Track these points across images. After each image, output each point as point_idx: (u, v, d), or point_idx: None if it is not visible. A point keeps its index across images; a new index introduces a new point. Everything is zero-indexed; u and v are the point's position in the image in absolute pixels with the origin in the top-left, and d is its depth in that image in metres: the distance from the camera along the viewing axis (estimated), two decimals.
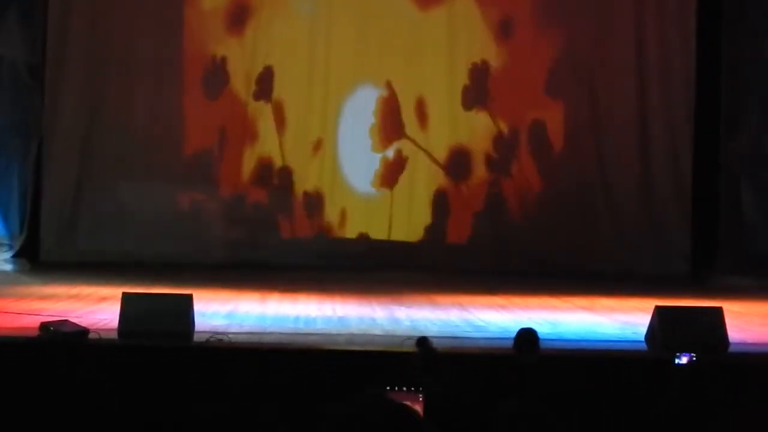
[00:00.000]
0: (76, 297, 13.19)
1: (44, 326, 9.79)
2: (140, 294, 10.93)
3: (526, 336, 8.10)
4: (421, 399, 5.89)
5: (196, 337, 10.08)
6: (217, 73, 17.59)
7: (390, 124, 17.73)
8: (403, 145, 17.74)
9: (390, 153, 17.71)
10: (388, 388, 6.03)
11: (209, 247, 17.30)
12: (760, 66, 16.99)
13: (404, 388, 5.97)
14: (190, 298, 10.41)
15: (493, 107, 17.79)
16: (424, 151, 17.70)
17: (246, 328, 11.11)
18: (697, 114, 17.53)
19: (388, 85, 17.70)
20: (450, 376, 7.41)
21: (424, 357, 7.25)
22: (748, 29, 17.05)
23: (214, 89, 17.60)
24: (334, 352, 10.05)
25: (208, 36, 17.62)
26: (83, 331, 9.81)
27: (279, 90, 17.64)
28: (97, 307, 12.18)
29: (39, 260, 16.79)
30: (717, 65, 17.23)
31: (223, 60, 17.57)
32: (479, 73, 17.78)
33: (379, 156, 17.69)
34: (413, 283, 15.02)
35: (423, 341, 7.50)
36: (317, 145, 17.65)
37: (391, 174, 17.68)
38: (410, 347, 7.63)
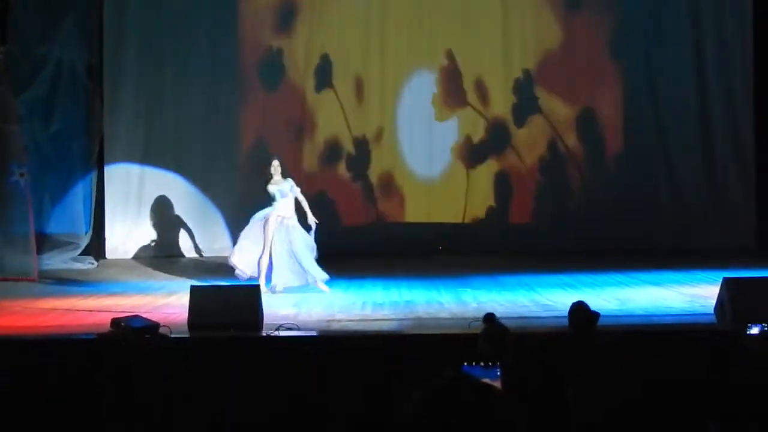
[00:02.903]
0: (144, 292, 13.32)
1: (116, 322, 9.89)
2: (208, 287, 11.04)
3: (580, 312, 8.00)
4: (499, 375, 5.87)
5: (266, 327, 10.14)
6: (274, 65, 17.66)
7: (452, 94, 17.72)
8: (464, 122, 17.70)
9: (451, 136, 17.69)
10: (465, 364, 6.02)
11: None
12: None
13: (481, 364, 5.96)
14: (257, 288, 10.49)
15: (552, 86, 17.73)
16: (483, 141, 17.69)
17: (314, 316, 11.17)
18: (757, 86, 17.35)
19: (448, 59, 17.66)
20: (523, 352, 7.38)
21: (492, 332, 7.22)
22: None
23: (272, 81, 17.67)
24: (403, 337, 10.08)
25: (263, 29, 17.69)
26: (154, 326, 9.90)
27: (337, 78, 17.69)
28: (165, 302, 12.31)
29: (105, 257, 16.97)
30: None
31: (280, 51, 17.63)
32: (537, 53, 17.73)
33: (440, 137, 17.68)
34: (478, 265, 15.01)
35: (490, 317, 7.46)
36: (378, 132, 17.70)
37: (454, 158, 17.68)
38: (478, 328, 7.61)
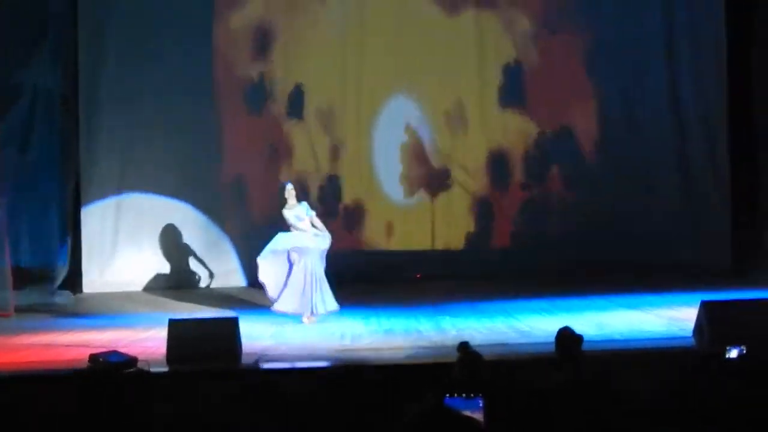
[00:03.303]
0: (122, 326, 13.24)
1: (94, 357, 9.86)
2: (186, 319, 11.00)
3: (567, 337, 8.02)
4: (480, 406, 5.87)
5: (244, 359, 10.11)
6: (250, 92, 17.66)
7: (421, 142, 17.78)
8: (438, 158, 17.77)
9: (425, 166, 17.72)
10: (447, 395, 6.02)
11: (250, 266, 17.37)
12: None
13: (463, 395, 5.95)
14: (235, 320, 10.46)
15: (527, 110, 17.80)
16: (459, 165, 17.73)
17: (293, 348, 11.15)
18: (731, 106, 17.43)
19: (418, 102, 17.74)
20: (501, 380, 7.39)
21: (467, 360, 7.23)
22: None
23: (249, 108, 17.67)
24: (382, 367, 10.06)
25: (239, 56, 17.67)
26: (132, 360, 9.86)
27: (313, 104, 17.70)
28: (143, 335, 12.24)
29: (83, 291, 16.87)
30: (749, 45, 17.12)
31: (256, 79, 17.63)
32: (512, 75, 17.79)
33: (413, 169, 17.72)
34: (456, 291, 15.00)
35: (464, 345, 7.49)
36: (354, 158, 17.69)
37: (428, 184, 17.70)
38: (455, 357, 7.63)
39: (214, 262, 17.32)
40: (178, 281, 17.19)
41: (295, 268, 13.13)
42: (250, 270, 16.32)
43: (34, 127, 16.71)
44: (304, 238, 13.22)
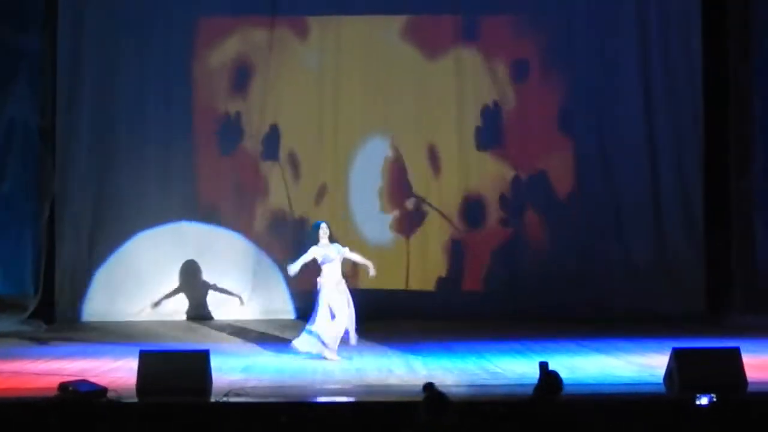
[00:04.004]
0: (93, 356, 13.20)
1: (63, 386, 9.82)
2: (157, 352, 10.96)
3: (550, 380, 8.06)
4: None
5: (215, 393, 10.08)
6: (227, 129, 17.68)
7: (397, 184, 17.81)
8: (417, 189, 17.81)
9: (400, 208, 17.75)
10: None
11: (226, 302, 17.36)
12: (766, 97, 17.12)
13: None
14: (207, 354, 10.43)
15: (503, 153, 17.84)
16: (434, 208, 17.76)
17: (264, 382, 11.12)
18: (707, 152, 17.55)
19: (395, 144, 17.80)
20: (472, 421, 7.40)
21: (432, 401, 7.25)
22: (754, 66, 17.14)
23: (225, 145, 17.69)
24: (353, 404, 10.05)
25: (217, 92, 17.71)
26: (102, 390, 9.82)
27: (288, 145, 17.72)
28: (114, 366, 12.20)
29: (55, 320, 16.79)
30: (725, 103, 17.27)
31: (233, 116, 17.66)
32: (490, 118, 17.85)
33: (389, 210, 17.75)
34: (429, 332, 14.99)
35: (429, 386, 7.52)
36: (329, 199, 17.70)
37: (404, 225, 17.73)
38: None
39: (195, 296, 17.34)
40: (151, 313, 17.16)
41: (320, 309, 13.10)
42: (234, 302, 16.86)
43: (9, 158, 16.72)
44: (327, 275, 13.16)
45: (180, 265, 17.34)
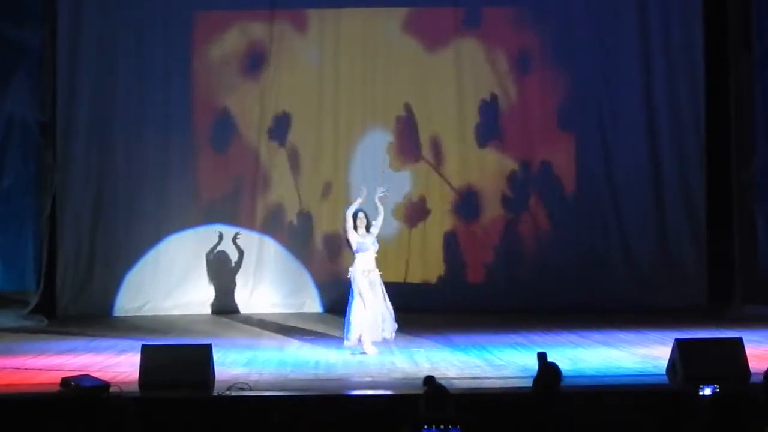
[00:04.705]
0: (95, 351, 13.19)
1: (65, 381, 9.80)
2: (159, 346, 10.94)
3: (549, 370, 8.05)
4: None
5: (217, 387, 10.07)
6: (228, 123, 17.68)
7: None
8: (418, 179, 17.79)
9: (404, 196, 17.73)
10: (426, 427, 6.03)
11: (227, 295, 17.39)
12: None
13: (441, 426, 5.96)
14: (209, 347, 10.41)
15: (504, 146, 17.84)
16: (436, 200, 17.76)
17: (266, 376, 11.11)
18: (708, 145, 17.53)
19: (395, 136, 17.78)
20: (468, 416, 7.39)
21: (433, 394, 7.26)
22: (756, 58, 17.10)
23: (225, 138, 17.69)
24: (356, 397, 10.04)
25: (217, 87, 17.71)
26: (104, 385, 9.81)
27: (290, 137, 17.73)
28: (116, 361, 12.19)
29: (56, 315, 16.80)
30: (725, 97, 17.24)
31: (233, 109, 17.67)
32: (490, 110, 17.84)
33: (393, 196, 17.73)
34: (431, 324, 14.98)
35: (430, 379, 7.52)
36: (331, 192, 17.70)
37: (407, 216, 17.71)
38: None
39: (197, 288, 17.40)
40: (153, 307, 17.21)
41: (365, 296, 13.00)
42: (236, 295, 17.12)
43: (9, 154, 16.71)
44: (362, 263, 13.03)
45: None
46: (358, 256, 12.99)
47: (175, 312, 17.17)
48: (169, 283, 17.38)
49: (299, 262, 17.63)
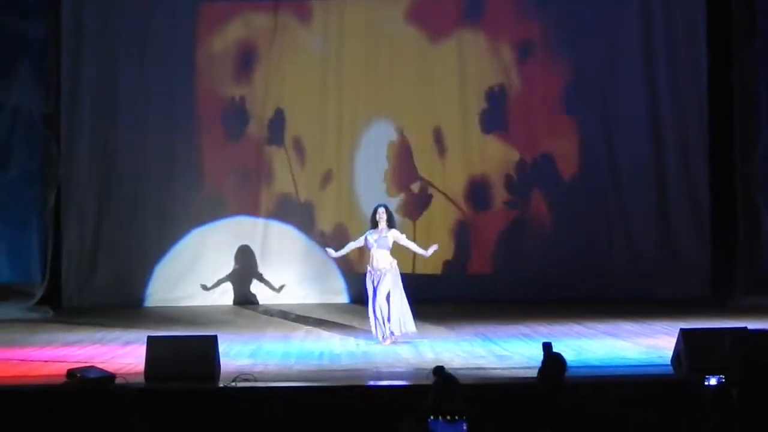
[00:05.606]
0: (100, 342, 13.23)
1: (71, 373, 9.83)
2: (165, 337, 10.97)
3: (554, 363, 8.06)
4: (464, 429, 5.87)
5: (223, 378, 10.09)
6: (231, 115, 17.69)
7: (404, 167, 17.80)
8: (418, 182, 17.81)
9: (406, 191, 17.74)
10: (432, 418, 6.04)
11: (233, 287, 17.42)
12: None
13: (447, 417, 5.97)
14: (214, 339, 10.44)
15: (508, 135, 17.84)
16: (440, 190, 17.75)
17: (271, 367, 11.13)
18: (711, 135, 17.53)
19: (399, 127, 17.80)
20: (480, 404, 7.40)
21: (442, 384, 7.26)
22: (758, 49, 17.07)
23: (228, 130, 17.70)
24: (360, 388, 10.06)
25: (220, 78, 17.72)
26: (110, 377, 9.83)
27: (293, 129, 17.74)
28: (122, 352, 12.23)
29: (61, 307, 16.82)
30: (728, 86, 17.22)
31: (236, 101, 17.67)
32: (494, 100, 17.83)
33: (395, 193, 17.73)
34: (437, 315, 14.98)
35: (439, 369, 7.53)
36: (335, 183, 17.72)
37: (410, 208, 17.71)
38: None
39: (199, 280, 17.37)
40: (158, 299, 17.25)
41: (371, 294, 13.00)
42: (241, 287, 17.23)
43: (14, 145, 16.71)
44: (373, 260, 13.01)
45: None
46: (371, 251, 12.99)
47: (182, 303, 17.19)
48: (175, 274, 17.39)
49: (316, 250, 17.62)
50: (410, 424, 6.97)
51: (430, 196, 17.81)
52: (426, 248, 13.27)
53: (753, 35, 17.14)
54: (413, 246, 13.33)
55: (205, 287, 17.09)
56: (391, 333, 12.81)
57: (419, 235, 17.57)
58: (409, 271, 17.20)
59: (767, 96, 17.17)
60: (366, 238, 13.06)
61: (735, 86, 17.18)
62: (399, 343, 12.74)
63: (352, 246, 13.35)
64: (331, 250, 13.51)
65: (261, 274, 17.44)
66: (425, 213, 17.77)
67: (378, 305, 12.83)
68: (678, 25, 17.73)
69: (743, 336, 10.35)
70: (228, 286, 17.46)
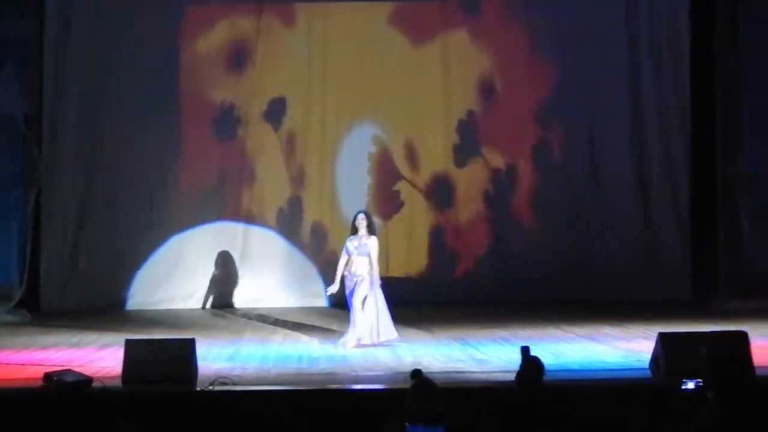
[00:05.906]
0: (78, 345, 13.18)
1: (48, 376, 9.79)
2: (142, 340, 10.95)
3: (532, 367, 8.06)
4: None
5: (200, 381, 10.07)
6: (215, 115, 17.67)
7: (386, 170, 17.83)
8: (400, 186, 17.79)
9: (388, 194, 17.74)
10: (407, 424, 6.03)
11: (213, 289, 17.41)
12: (753, 87, 17.09)
13: (425, 423, 5.96)
14: (192, 342, 10.42)
15: (491, 138, 17.83)
16: (422, 194, 17.76)
17: (249, 370, 11.10)
18: (693, 139, 17.57)
19: (382, 130, 17.82)
20: (458, 407, 7.40)
21: (420, 388, 7.25)
22: (741, 52, 17.13)
23: (213, 132, 17.68)
24: (339, 392, 10.04)
25: (205, 81, 17.69)
26: (87, 380, 9.80)
27: (277, 131, 17.73)
28: (99, 355, 12.18)
29: (39, 310, 16.73)
30: (712, 90, 17.26)
31: (221, 102, 17.66)
32: (476, 104, 17.84)
33: (377, 195, 17.73)
34: (415, 318, 14.96)
35: (417, 373, 7.52)
36: (317, 186, 17.72)
37: (391, 211, 17.70)
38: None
39: (178, 283, 17.38)
40: (136, 302, 17.21)
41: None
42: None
43: None
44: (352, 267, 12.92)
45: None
46: (351, 259, 12.94)
47: (162, 306, 17.15)
48: (155, 277, 17.35)
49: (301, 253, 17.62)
50: (394, 428, 6.95)
51: (412, 200, 17.79)
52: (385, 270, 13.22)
53: (736, 42, 17.19)
54: (375, 264, 13.04)
55: (186, 291, 17.10)
56: (358, 340, 12.78)
57: (399, 238, 17.59)
58: (386, 274, 17.27)
59: (750, 101, 17.23)
60: (346, 246, 13.02)
61: (718, 93, 17.22)
62: (378, 347, 12.71)
63: (341, 266, 13.15)
64: (331, 288, 13.35)
65: (241, 278, 17.41)
66: (406, 216, 17.76)
67: (354, 309, 12.82)
68: (662, 31, 17.78)
69: (719, 339, 10.38)
70: (208, 290, 17.43)
